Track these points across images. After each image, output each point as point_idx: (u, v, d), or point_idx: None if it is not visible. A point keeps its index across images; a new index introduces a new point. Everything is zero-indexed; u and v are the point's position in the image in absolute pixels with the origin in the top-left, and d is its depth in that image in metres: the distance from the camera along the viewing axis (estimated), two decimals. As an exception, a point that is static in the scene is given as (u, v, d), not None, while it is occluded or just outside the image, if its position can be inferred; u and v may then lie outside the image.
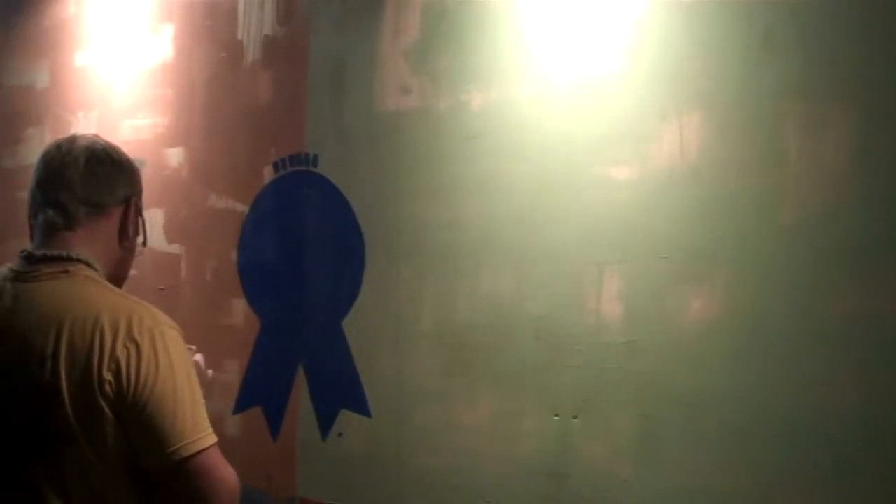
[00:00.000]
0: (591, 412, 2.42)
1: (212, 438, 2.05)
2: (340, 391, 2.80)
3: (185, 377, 2.07)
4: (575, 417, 2.43)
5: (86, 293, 2.11)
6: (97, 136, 2.37)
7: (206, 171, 3.37)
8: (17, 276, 2.20)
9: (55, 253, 2.18)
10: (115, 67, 3.80)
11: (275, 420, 3.03)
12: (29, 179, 3.97)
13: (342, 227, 2.75)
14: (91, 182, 2.26)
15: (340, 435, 2.85)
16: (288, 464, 2.87)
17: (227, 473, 2.07)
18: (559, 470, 2.44)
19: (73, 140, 2.33)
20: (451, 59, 2.72)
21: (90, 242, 2.23)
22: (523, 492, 2.49)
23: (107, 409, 2.02)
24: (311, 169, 2.82)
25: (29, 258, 2.20)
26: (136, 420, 2.02)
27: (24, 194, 4.06)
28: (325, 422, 2.87)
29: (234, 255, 3.13)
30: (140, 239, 2.30)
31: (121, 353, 2.02)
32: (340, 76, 2.97)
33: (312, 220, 2.96)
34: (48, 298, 2.13)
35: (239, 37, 3.27)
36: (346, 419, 2.83)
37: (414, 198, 2.72)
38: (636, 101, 2.40)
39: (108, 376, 2.00)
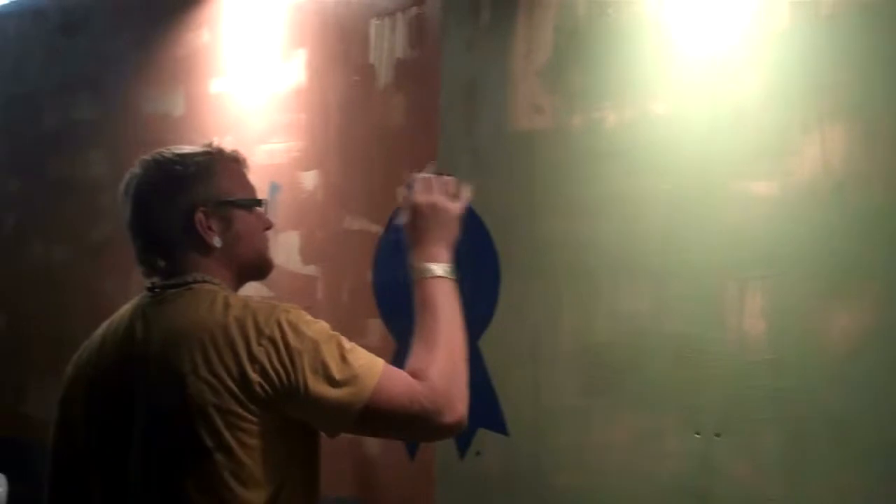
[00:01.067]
0: (735, 430, 2.39)
1: (375, 373, 2.10)
2: (478, 410, 2.78)
3: (325, 339, 2.11)
4: (718, 436, 2.39)
5: (211, 306, 2.17)
6: (143, 163, 2.39)
7: (340, 194, 3.42)
8: (149, 302, 2.27)
9: (174, 281, 2.26)
10: (249, 93, 3.89)
11: (412, 439, 3.04)
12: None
13: (477, 246, 2.76)
14: (149, 237, 2.31)
15: (478, 454, 2.85)
16: (426, 483, 2.89)
17: (407, 390, 2.11)
18: (702, 490, 2.40)
19: (126, 189, 2.38)
20: (585, 76, 2.71)
21: (192, 268, 2.29)
22: (669, 509, 2.46)
23: (257, 411, 2.08)
24: (445, 189, 2.83)
25: (153, 287, 2.29)
26: (303, 404, 2.08)
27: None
28: (463, 440, 2.87)
29: (369, 276, 3.17)
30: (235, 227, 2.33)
31: (258, 352, 2.07)
32: (473, 97, 2.99)
33: (447, 239, 2.97)
34: (177, 317, 2.19)
35: (371, 60, 3.32)
36: (484, 438, 2.84)
37: (549, 217, 2.71)
38: (776, 114, 2.37)
39: (255, 378, 2.06)
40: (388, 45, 3.27)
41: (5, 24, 5.61)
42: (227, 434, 2.10)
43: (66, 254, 4.99)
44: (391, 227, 3.13)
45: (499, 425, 2.77)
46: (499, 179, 2.89)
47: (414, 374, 2.16)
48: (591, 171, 2.67)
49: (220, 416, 2.10)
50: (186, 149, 2.42)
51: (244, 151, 2.52)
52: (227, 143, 3.84)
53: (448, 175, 2.36)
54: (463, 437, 2.86)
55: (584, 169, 2.69)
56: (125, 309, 2.37)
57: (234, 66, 4.01)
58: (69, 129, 5.02)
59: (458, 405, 2.18)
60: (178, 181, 2.32)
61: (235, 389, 2.09)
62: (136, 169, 2.38)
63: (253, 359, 2.10)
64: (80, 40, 5.02)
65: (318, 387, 2.08)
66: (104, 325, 2.38)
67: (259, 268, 2.41)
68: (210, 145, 2.44)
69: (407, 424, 2.12)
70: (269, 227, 2.43)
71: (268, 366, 2.09)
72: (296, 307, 2.15)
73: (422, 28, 3.17)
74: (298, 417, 2.12)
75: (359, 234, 3.07)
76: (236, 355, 2.11)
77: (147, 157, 2.39)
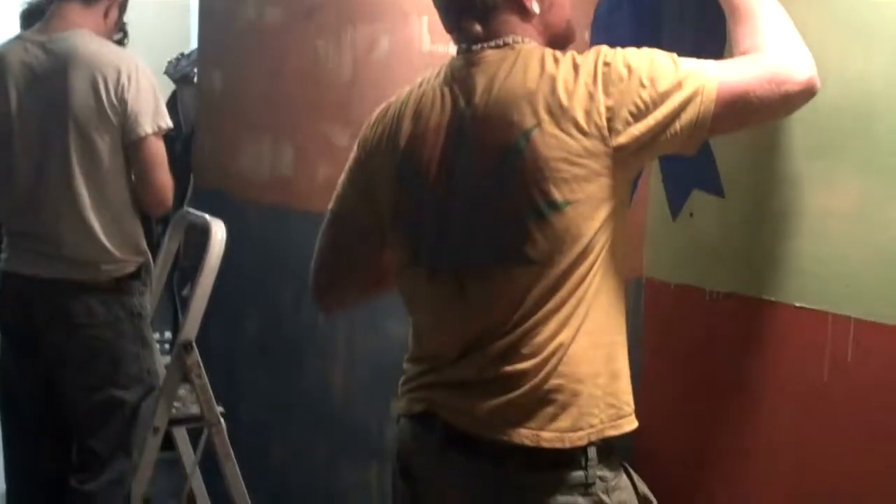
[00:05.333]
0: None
1: (710, 65, 2.17)
2: (692, 170, 2.74)
3: (650, 56, 2.17)
4: (951, 203, 2.28)
5: (541, 62, 2.22)
6: None
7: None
8: (463, 64, 2.28)
9: (494, 42, 2.27)
10: None
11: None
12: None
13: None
14: (467, 2, 2.29)
15: (691, 215, 2.81)
16: (635, 244, 2.87)
17: (749, 65, 2.17)
18: (931, 257, 2.31)
19: None
20: None
21: (510, 32, 2.29)
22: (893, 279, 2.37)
23: (608, 161, 2.14)
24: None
25: (468, 49, 2.29)
26: (662, 123, 2.14)
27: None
28: (676, 201, 2.83)
29: (586, 36, 3.09)
30: None
31: (601, 95, 2.13)
32: None
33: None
34: (508, 75, 2.23)
35: None
36: (698, 199, 2.78)
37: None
38: None
39: (604, 122, 2.12)
40: None
41: None
42: (574, 186, 2.12)
43: (279, 15, 5.04)
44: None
45: (714, 186, 2.71)
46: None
47: (748, 53, 2.17)
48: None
49: (569, 168, 2.12)
50: None
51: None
52: None
53: None
54: (676, 196, 2.82)
55: None
56: (430, 76, 2.38)
57: None
58: None
59: (804, 60, 2.19)
60: None
61: (584, 139, 2.11)
62: None
63: (598, 103, 2.11)
64: None
65: (669, 99, 2.10)
66: (405, 93, 2.39)
67: (567, 36, 2.42)
68: None
69: (763, 99, 2.14)
70: None
71: (616, 103, 2.11)
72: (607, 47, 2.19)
73: None
74: (653, 151, 2.21)
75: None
76: (581, 103, 2.12)
77: None
